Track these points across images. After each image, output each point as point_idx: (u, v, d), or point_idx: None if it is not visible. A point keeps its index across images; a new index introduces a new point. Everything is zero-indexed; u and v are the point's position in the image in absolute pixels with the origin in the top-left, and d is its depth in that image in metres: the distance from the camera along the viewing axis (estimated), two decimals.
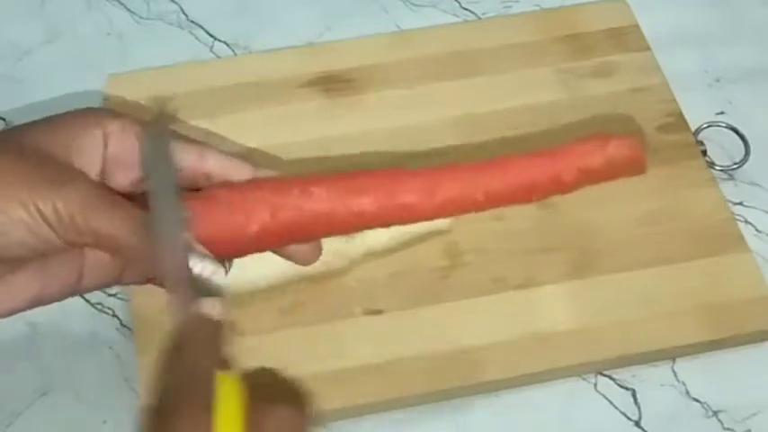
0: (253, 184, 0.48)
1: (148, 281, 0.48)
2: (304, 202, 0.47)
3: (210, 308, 0.42)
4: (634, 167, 0.51)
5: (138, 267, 0.47)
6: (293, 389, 0.40)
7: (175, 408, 0.37)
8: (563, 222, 0.62)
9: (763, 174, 0.66)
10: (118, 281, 0.48)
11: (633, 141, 0.51)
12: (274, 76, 0.68)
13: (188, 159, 0.47)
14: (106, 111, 0.48)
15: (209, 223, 0.46)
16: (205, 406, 0.37)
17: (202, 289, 0.43)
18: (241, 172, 0.48)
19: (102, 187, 0.45)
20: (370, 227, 0.49)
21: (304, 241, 0.49)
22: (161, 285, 0.47)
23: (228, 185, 0.47)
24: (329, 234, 0.48)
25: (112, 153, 0.47)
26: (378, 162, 0.64)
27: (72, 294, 0.47)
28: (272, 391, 0.39)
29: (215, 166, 0.47)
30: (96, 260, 0.46)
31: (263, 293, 0.58)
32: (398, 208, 0.48)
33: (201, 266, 0.46)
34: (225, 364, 0.40)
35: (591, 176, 0.51)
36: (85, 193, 0.44)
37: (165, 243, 0.44)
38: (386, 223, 0.49)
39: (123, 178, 0.48)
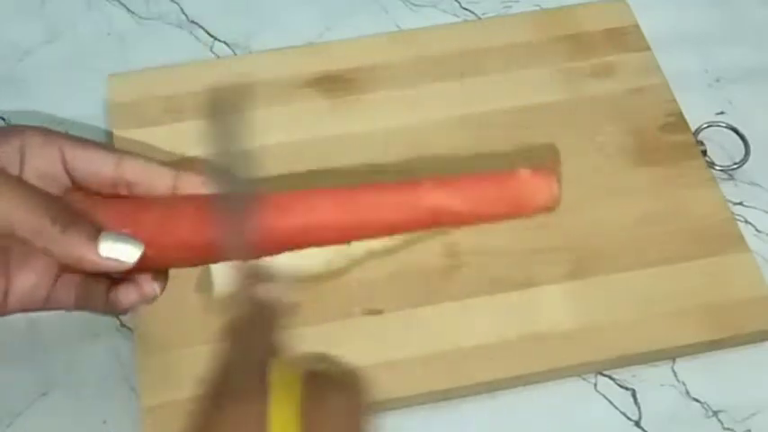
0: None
1: (77, 306, 0.48)
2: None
3: (268, 292, 0.42)
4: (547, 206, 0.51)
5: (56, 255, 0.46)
6: (349, 377, 0.39)
7: (229, 395, 0.37)
8: (563, 222, 0.62)
9: (763, 174, 0.66)
10: (44, 305, 0.48)
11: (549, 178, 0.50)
12: (274, 76, 0.68)
13: (106, 168, 0.48)
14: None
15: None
16: (258, 393, 0.37)
17: (262, 274, 0.43)
18: (162, 178, 0.48)
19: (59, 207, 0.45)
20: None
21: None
22: (90, 310, 0.47)
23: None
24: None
25: (34, 167, 0.47)
26: (377, 162, 0.64)
27: None
28: (327, 378, 0.39)
29: (134, 173, 0.48)
30: (24, 284, 0.46)
31: None
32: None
33: (119, 249, 0.46)
34: (280, 350, 0.40)
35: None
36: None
37: (229, 224, 0.44)
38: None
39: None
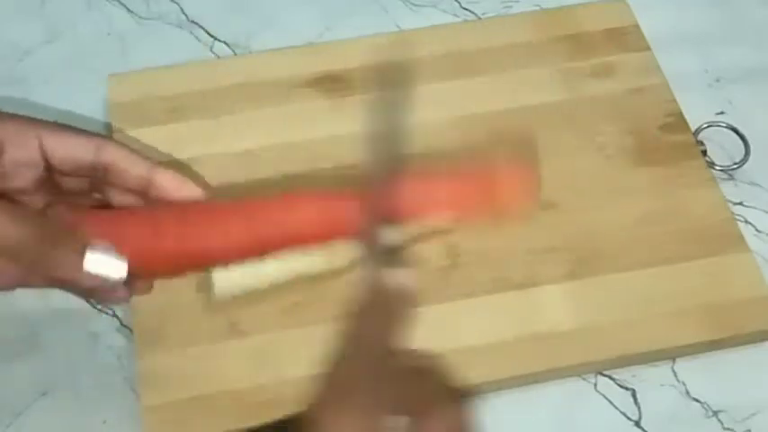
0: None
1: (53, 283, 0.48)
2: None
3: (395, 279, 0.41)
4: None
5: (41, 271, 0.46)
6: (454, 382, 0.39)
7: (342, 391, 0.37)
8: (563, 222, 0.62)
9: (763, 174, 0.66)
10: (22, 283, 0.47)
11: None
12: (274, 76, 0.68)
13: (86, 153, 0.48)
14: None
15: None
16: (372, 391, 0.37)
17: (392, 260, 0.42)
18: (139, 166, 0.49)
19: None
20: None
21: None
22: (66, 289, 0.47)
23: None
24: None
25: (12, 157, 0.47)
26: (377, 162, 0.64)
27: None
28: (437, 380, 0.39)
29: (114, 158, 0.48)
30: None
31: (263, 293, 0.58)
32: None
33: (107, 264, 0.46)
34: (399, 337, 0.39)
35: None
36: None
37: (366, 210, 0.44)
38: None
39: (22, 180, 0.48)
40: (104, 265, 0.46)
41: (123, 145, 0.49)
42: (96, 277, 0.46)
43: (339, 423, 0.36)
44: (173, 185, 0.49)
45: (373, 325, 0.40)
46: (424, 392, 0.38)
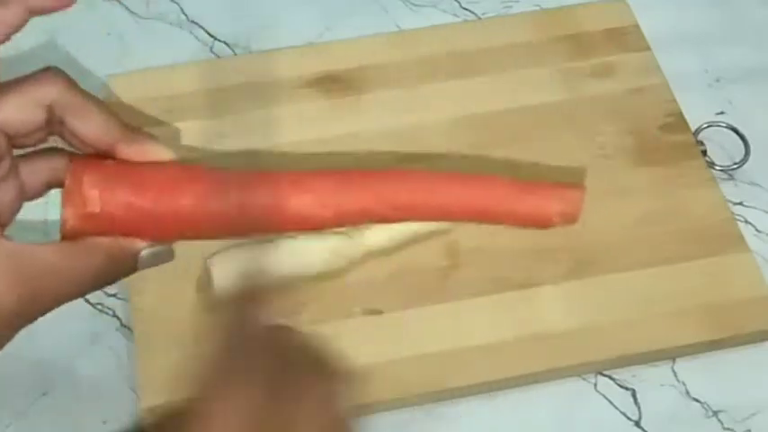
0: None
1: None
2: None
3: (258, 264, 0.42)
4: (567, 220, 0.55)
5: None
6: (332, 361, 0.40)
7: (220, 377, 0.38)
8: None
9: (763, 174, 0.66)
10: None
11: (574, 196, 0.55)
12: (274, 76, 0.68)
13: (34, 116, 0.45)
14: None
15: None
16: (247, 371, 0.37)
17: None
18: (95, 129, 0.45)
19: None
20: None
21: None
22: None
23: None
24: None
25: None
26: (377, 162, 0.64)
27: None
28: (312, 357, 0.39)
29: (68, 119, 0.45)
30: None
31: None
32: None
33: (158, 257, 0.45)
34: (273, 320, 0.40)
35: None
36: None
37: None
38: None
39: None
40: (155, 259, 0.45)
41: (77, 99, 0.45)
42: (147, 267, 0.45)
43: (220, 407, 0.36)
44: (137, 157, 0.45)
45: (243, 311, 0.40)
46: (296, 368, 0.38)
